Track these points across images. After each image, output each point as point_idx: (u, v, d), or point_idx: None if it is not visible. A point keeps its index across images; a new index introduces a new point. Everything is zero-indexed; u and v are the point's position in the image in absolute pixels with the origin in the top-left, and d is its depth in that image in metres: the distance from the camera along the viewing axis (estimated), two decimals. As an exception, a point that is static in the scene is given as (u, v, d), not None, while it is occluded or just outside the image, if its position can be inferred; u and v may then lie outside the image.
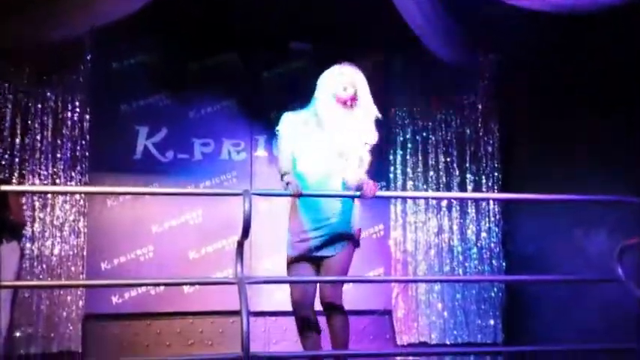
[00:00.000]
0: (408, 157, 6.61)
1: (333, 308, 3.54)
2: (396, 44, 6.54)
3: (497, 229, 6.62)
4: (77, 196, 5.85)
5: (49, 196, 5.77)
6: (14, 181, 5.64)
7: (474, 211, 6.61)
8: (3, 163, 5.68)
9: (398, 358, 5.76)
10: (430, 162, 6.64)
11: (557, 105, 5.85)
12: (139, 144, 6.07)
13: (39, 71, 5.83)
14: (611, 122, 5.27)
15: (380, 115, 3.69)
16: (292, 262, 3.56)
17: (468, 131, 6.70)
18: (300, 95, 3.77)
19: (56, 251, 5.76)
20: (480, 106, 6.73)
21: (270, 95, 6.18)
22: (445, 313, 6.43)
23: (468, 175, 6.66)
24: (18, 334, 5.50)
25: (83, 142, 5.94)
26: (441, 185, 6.61)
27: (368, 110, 3.66)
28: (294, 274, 3.55)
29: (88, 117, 5.96)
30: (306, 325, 3.52)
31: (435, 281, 6.63)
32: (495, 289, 6.52)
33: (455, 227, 6.58)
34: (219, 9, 5.80)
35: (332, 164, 3.57)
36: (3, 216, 4.68)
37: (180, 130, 6.16)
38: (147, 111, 6.10)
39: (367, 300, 6.14)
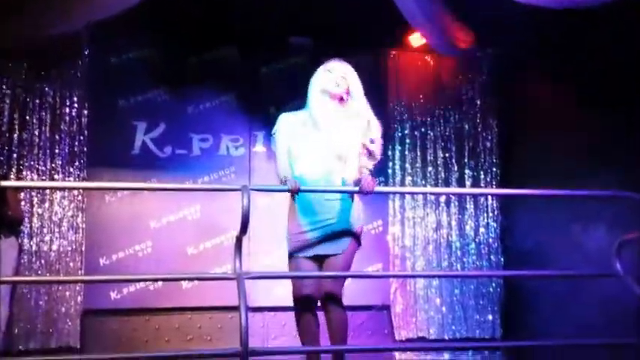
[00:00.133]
0: (406, 152, 6.61)
1: (332, 304, 3.54)
2: (395, 40, 6.55)
3: (495, 225, 6.63)
4: (75, 192, 5.85)
5: (48, 191, 5.77)
6: (12, 176, 5.64)
7: (472, 206, 6.62)
8: (1, 158, 5.68)
9: (396, 353, 5.78)
10: (429, 157, 6.64)
11: (555, 100, 5.86)
12: (137, 139, 6.06)
13: (37, 66, 5.83)
14: (610, 117, 5.27)
15: (370, 110, 3.65)
16: (293, 258, 3.55)
17: (467, 127, 6.71)
18: (299, 91, 3.75)
19: (55, 247, 5.76)
20: (478, 102, 6.74)
21: (268, 91, 6.17)
22: (443, 309, 6.44)
23: (467, 171, 6.67)
24: (17, 330, 5.50)
25: (81, 138, 5.94)
26: (440, 181, 6.61)
27: (362, 104, 3.64)
28: (295, 270, 3.54)
29: (86, 112, 5.95)
30: (306, 321, 3.52)
31: (434, 276, 6.65)
32: (493, 285, 6.53)
33: (453, 223, 6.59)
34: (219, 5, 5.79)
35: (331, 165, 3.56)
36: (1, 211, 4.69)
37: (178, 126, 6.15)
38: (145, 106, 6.10)
39: (365, 295, 6.15)
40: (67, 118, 5.92)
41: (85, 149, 5.93)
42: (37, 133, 5.83)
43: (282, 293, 5.52)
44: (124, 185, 5.97)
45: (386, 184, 6.40)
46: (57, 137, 5.87)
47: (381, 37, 6.30)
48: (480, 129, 6.72)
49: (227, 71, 6.24)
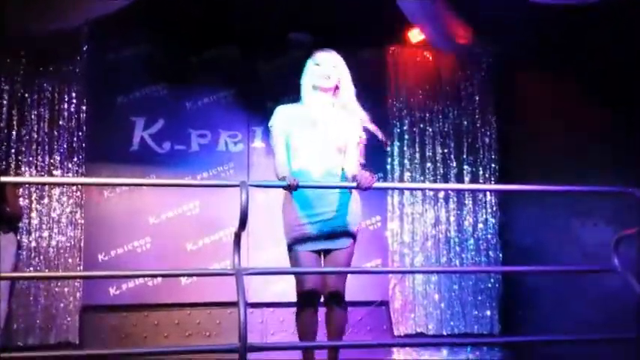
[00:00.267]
0: (405, 148, 6.61)
1: (336, 301, 3.55)
2: (394, 36, 6.54)
3: (494, 220, 6.63)
4: (74, 188, 5.85)
5: (46, 187, 5.77)
6: (11, 172, 5.64)
7: (471, 202, 6.63)
8: (-1, 154, 5.67)
9: (395, 348, 5.78)
10: (427, 153, 6.64)
11: (554, 97, 5.86)
12: (135, 135, 6.06)
13: (36, 62, 5.82)
14: (610, 115, 5.27)
15: (357, 105, 3.65)
16: (294, 251, 3.54)
17: (466, 123, 6.71)
18: (298, 87, 3.76)
19: (53, 243, 5.76)
20: (477, 98, 6.74)
21: (267, 86, 6.16)
22: (442, 304, 6.45)
23: (465, 167, 6.67)
24: (16, 326, 5.51)
25: (80, 134, 5.93)
26: (438, 176, 6.62)
27: (351, 93, 3.63)
28: (297, 264, 3.54)
29: (84, 108, 5.95)
30: (307, 319, 3.52)
31: (432, 272, 6.65)
32: (492, 280, 6.54)
33: (452, 218, 6.59)
34: (218, 2, 5.78)
35: (330, 158, 3.56)
36: (0, 207, 4.68)
37: (177, 122, 6.15)
38: (144, 102, 6.09)
39: (364, 291, 6.14)
40: (66, 113, 5.91)
41: (84, 145, 5.93)
42: (35, 128, 5.82)
43: (281, 289, 5.57)
44: (123, 181, 5.96)
45: (385, 179, 6.40)
46: (55, 133, 5.87)
47: (380, 33, 6.29)
48: (478, 125, 6.72)
49: (226, 67, 6.23)
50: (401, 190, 6.56)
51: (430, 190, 6.65)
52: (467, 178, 6.65)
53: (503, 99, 6.67)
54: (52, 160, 5.84)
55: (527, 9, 5.05)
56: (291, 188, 3.32)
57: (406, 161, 6.61)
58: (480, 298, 6.50)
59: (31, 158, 5.78)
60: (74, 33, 5.79)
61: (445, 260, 6.53)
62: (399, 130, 6.61)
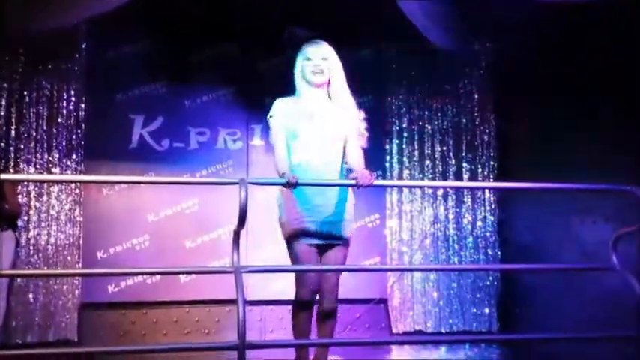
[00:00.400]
0: (404, 146, 6.61)
1: (331, 296, 3.56)
2: (394, 33, 6.54)
3: (492, 218, 6.64)
4: (73, 185, 5.84)
5: (45, 185, 5.77)
6: (10, 170, 5.63)
7: (469, 200, 6.63)
8: (-2, 152, 5.67)
9: (393, 346, 5.79)
10: (426, 151, 6.64)
11: (553, 94, 5.86)
12: (134, 133, 6.05)
13: (34, 60, 5.81)
14: (610, 113, 5.27)
15: (349, 93, 3.65)
16: (295, 244, 3.54)
17: (464, 120, 6.71)
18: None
19: (52, 240, 5.76)
20: (476, 95, 6.74)
21: (266, 84, 6.15)
22: (441, 302, 6.46)
23: (464, 164, 6.67)
24: (14, 323, 5.51)
25: (79, 131, 5.93)
26: (437, 174, 6.62)
27: (344, 82, 3.62)
28: (296, 255, 3.53)
29: (83, 106, 5.94)
30: (304, 319, 3.53)
31: (431, 270, 6.66)
32: (491, 278, 6.55)
33: (451, 216, 6.60)
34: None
35: (329, 152, 3.57)
36: (-1, 205, 4.68)
37: (176, 119, 6.14)
38: (142, 100, 6.08)
39: (363, 289, 6.15)
40: (65, 111, 5.91)
41: (83, 143, 5.92)
42: (34, 126, 5.81)
43: (280, 287, 5.57)
44: (122, 179, 5.97)
45: (383, 177, 6.41)
46: (54, 131, 5.87)
47: (379, 31, 6.28)
48: (477, 123, 6.72)
49: (225, 65, 6.23)
50: (400, 188, 6.57)
51: (429, 187, 6.66)
52: (466, 176, 6.66)
53: (502, 97, 6.67)
54: (50, 158, 5.84)
55: (527, 9, 5.06)
56: (290, 185, 3.32)
57: (405, 159, 6.61)
58: (478, 295, 6.51)
59: (29, 156, 5.78)
60: (73, 31, 5.78)
61: (444, 258, 6.54)
62: (398, 128, 6.62)
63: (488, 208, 6.65)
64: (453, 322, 6.45)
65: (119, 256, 5.84)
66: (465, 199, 6.63)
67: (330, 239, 3.55)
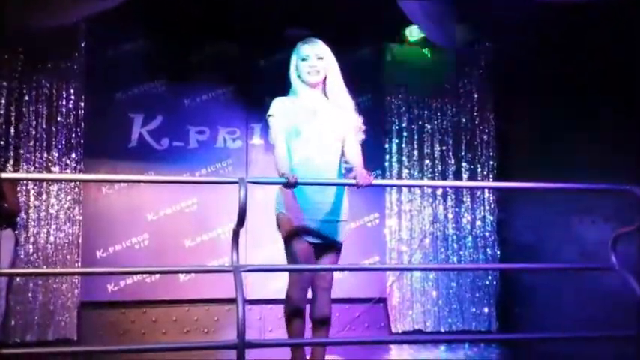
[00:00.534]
0: (403, 145, 6.62)
1: (327, 294, 3.57)
2: (393, 34, 6.54)
3: (492, 218, 6.65)
4: (72, 184, 5.84)
5: (45, 184, 5.76)
6: (9, 168, 5.63)
7: (469, 199, 6.64)
8: (-3, 150, 5.67)
9: (392, 345, 5.80)
10: (426, 150, 6.65)
11: (553, 94, 5.86)
12: (134, 132, 6.05)
13: (34, 58, 5.80)
14: (610, 113, 5.27)
15: (346, 90, 3.65)
16: (294, 241, 3.54)
17: (464, 120, 6.72)
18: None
19: (51, 239, 5.76)
20: (475, 95, 6.75)
21: (266, 83, 6.15)
22: (440, 301, 6.47)
23: (464, 164, 6.68)
24: (14, 322, 5.51)
25: (78, 130, 5.93)
26: (437, 174, 6.63)
27: (340, 80, 3.62)
28: (294, 252, 3.54)
29: (82, 105, 5.94)
30: (296, 319, 3.54)
31: (430, 269, 6.67)
32: (490, 277, 6.55)
33: (450, 216, 6.60)
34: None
35: (328, 150, 3.57)
36: (-2, 204, 4.68)
37: (175, 118, 6.14)
38: (142, 99, 6.08)
39: (362, 288, 6.17)
40: (64, 110, 5.91)
41: (82, 142, 5.92)
42: (33, 125, 5.81)
43: (280, 286, 5.52)
44: (121, 178, 5.97)
45: (383, 177, 6.41)
46: (54, 129, 5.86)
47: (379, 30, 6.29)
48: (477, 122, 6.73)
49: (224, 63, 6.23)
50: (399, 188, 6.57)
51: (428, 187, 6.66)
52: (465, 176, 6.67)
53: (501, 97, 6.67)
54: (50, 157, 5.83)
55: (527, 9, 5.06)
56: (290, 185, 3.33)
57: (404, 158, 6.61)
58: (477, 295, 6.52)
59: (29, 155, 5.78)
60: (72, 29, 5.78)
61: (443, 257, 6.55)
62: (397, 128, 6.62)
63: (487, 207, 6.65)
64: (452, 322, 6.45)
65: (118, 255, 5.84)
66: (465, 199, 6.64)
67: (327, 240, 3.56)
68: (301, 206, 3.51)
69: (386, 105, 6.57)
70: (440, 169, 6.64)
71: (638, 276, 3.42)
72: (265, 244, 5.68)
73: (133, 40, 6.06)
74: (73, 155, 5.89)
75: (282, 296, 3.64)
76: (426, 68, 6.70)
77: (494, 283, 6.54)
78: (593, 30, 5.26)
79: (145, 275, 5.88)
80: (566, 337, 3.76)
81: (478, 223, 6.62)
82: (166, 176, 5.88)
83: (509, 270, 6.54)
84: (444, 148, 6.68)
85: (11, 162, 5.71)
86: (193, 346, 3.92)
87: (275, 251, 3.79)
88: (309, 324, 3.64)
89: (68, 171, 5.84)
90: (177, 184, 5.81)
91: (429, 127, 6.68)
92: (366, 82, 6.31)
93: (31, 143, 5.79)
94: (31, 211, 5.72)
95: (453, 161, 6.66)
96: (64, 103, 5.91)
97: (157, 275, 5.88)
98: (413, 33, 6.50)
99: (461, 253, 6.59)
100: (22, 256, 5.55)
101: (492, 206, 6.66)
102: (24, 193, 5.71)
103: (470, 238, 6.60)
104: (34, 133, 5.81)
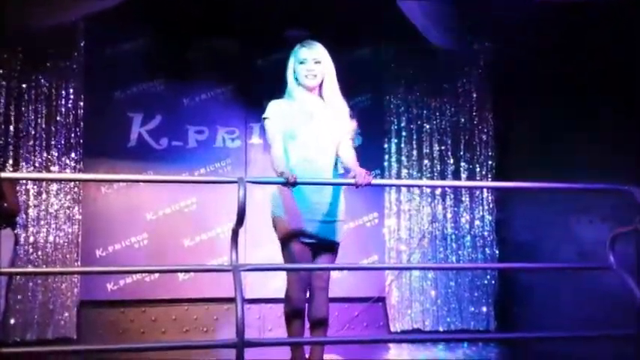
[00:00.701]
0: (402, 145, 6.62)
1: (324, 294, 3.58)
2: (392, 32, 6.54)
3: (490, 217, 6.65)
4: (72, 184, 5.84)
5: (44, 183, 5.76)
6: (8, 168, 5.63)
7: (467, 199, 6.64)
8: (-3, 150, 5.67)
9: (391, 345, 5.80)
10: (424, 150, 6.65)
11: (553, 94, 5.87)
12: (133, 131, 6.05)
13: (33, 58, 5.81)
14: (609, 113, 5.28)
15: (340, 94, 3.65)
16: (291, 243, 3.55)
17: (463, 120, 6.72)
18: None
19: (51, 238, 5.76)
20: (474, 95, 6.75)
21: (265, 83, 6.15)
22: (438, 301, 6.47)
23: (462, 164, 6.68)
24: (13, 321, 5.51)
25: (77, 130, 5.93)
26: (436, 174, 6.63)
27: (335, 84, 3.63)
28: (292, 254, 3.55)
29: (82, 104, 5.95)
30: (296, 319, 3.55)
31: (429, 269, 6.67)
32: (488, 277, 6.56)
33: (449, 215, 6.61)
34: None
35: (324, 152, 3.58)
36: (-3, 203, 4.68)
37: (174, 118, 6.14)
38: (141, 98, 6.09)
39: (361, 287, 6.17)
40: (63, 109, 5.91)
41: (81, 141, 5.92)
42: (33, 124, 5.82)
43: (279, 285, 5.53)
44: (120, 177, 5.98)
45: (382, 176, 6.42)
46: (53, 129, 5.87)
47: (378, 30, 6.29)
48: (475, 122, 6.74)
49: (223, 63, 6.23)
50: (398, 187, 6.57)
51: (427, 187, 6.66)
52: (464, 176, 6.67)
53: (501, 97, 6.68)
54: (49, 156, 5.84)
55: (526, 9, 5.06)
56: (289, 184, 3.33)
57: (403, 158, 6.62)
58: (476, 294, 6.53)
59: (28, 154, 5.78)
60: (71, 29, 5.78)
61: (442, 257, 6.55)
62: (396, 127, 6.62)
63: (486, 207, 6.66)
64: (450, 321, 6.46)
65: (118, 254, 5.85)
66: (463, 199, 6.64)
67: (324, 240, 3.56)
68: (299, 206, 3.52)
69: (385, 105, 6.57)
70: (439, 168, 6.65)
71: (636, 276, 3.43)
72: (264, 244, 5.67)
73: (133, 40, 6.07)
74: (73, 155, 5.90)
75: (282, 295, 3.65)
76: (425, 68, 6.70)
77: (493, 282, 6.55)
78: (593, 30, 5.26)
79: (144, 274, 5.88)
80: (564, 337, 3.77)
81: (477, 222, 6.63)
82: (165, 176, 5.89)
83: (508, 269, 6.55)
84: (442, 147, 6.68)
85: (10, 161, 5.71)
86: (193, 346, 3.93)
87: (274, 251, 3.79)
88: (308, 324, 3.65)
89: (67, 170, 5.84)
90: (176, 183, 5.81)
91: (428, 126, 6.68)
92: (365, 81, 6.32)
93: (31, 143, 5.80)
94: (30, 210, 5.73)
95: (451, 161, 6.67)
96: (63, 102, 5.91)
97: (157, 274, 5.89)
98: (413, 32, 6.49)
99: (459, 252, 6.59)
100: (21, 256, 5.55)
101: (491, 206, 6.66)
102: (23, 193, 5.71)
103: (468, 238, 6.61)
104: (33, 132, 5.81)
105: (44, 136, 5.84)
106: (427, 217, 6.57)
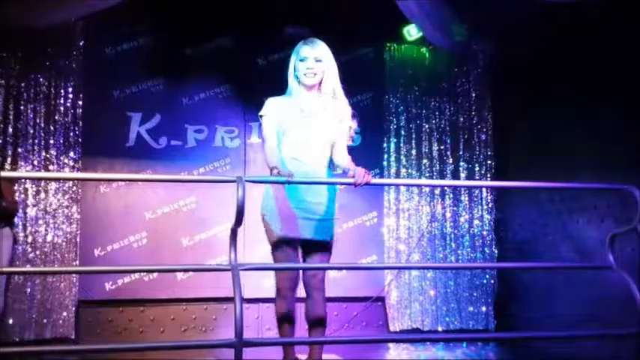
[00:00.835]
0: (401, 144, 6.62)
1: (320, 293, 3.57)
2: (392, 33, 6.54)
3: (489, 217, 6.65)
4: (70, 183, 5.84)
5: (42, 182, 5.76)
6: (7, 167, 5.63)
7: (466, 198, 6.64)
8: (-5, 149, 5.66)
9: (390, 344, 5.80)
10: (424, 149, 6.65)
11: (551, 93, 5.87)
12: (132, 130, 6.05)
13: (31, 57, 5.80)
14: (609, 113, 5.28)
15: (343, 94, 3.64)
16: (279, 242, 3.55)
17: (462, 119, 6.72)
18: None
19: (49, 238, 5.75)
20: (473, 95, 6.75)
21: (264, 82, 6.15)
22: (438, 300, 6.47)
23: (462, 163, 6.68)
24: (12, 320, 5.50)
25: (76, 129, 5.92)
26: (435, 173, 6.63)
27: (336, 83, 3.62)
28: (282, 255, 3.54)
29: (80, 103, 5.94)
30: (286, 316, 3.54)
31: (428, 268, 6.67)
32: (487, 277, 6.56)
33: (448, 215, 6.61)
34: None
35: (319, 151, 3.57)
36: (-4, 202, 4.67)
37: (173, 117, 6.14)
38: (140, 97, 6.08)
39: (360, 287, 6.17)
40: (62, 108, 5.90)
41: (80, 140, 5.92)
42: (31, 123, 5.81)
43: (277, 285, 5.57)
44: (119, 176, 5.96)
45: (381, 176, 6.41)
46: (52, 128, 5.86)
47: (377, 29, 6.29)
48: (475, 121, 6.74)
49: (222, 62, 6.23)
50: (397, 186, 6.57)
51: (426, 186, 6.66)
52: (463, 175, 6.67)
53: (500, 96, 6.67)
54: (48, 155, 5.83)
55: (526, 8, 5.06)
56: (287, 183, 3.32)
57: (402, 157, 6.62)
58: (475, 294, 6.52)
59: (27, 153, 5.77)
60: (70, 28, 5.77)
61: (441, 256, 6.55)
62: (395, 127, 6.62)
63: (485, 206, 6.66)
64: (449, 321, 6.46)
65: (116, 253, 5.84)
66: (462, 198, 6.64)
67: (317, 239, 3.55)
68: (292, 205, 3.51)
69: (385, 104, 6.57)
70: (438, 168, 6.65)
71: (636, 275, 3.43)
72: (263, 243, 5.67)
73: (131, 39, 6.07)
74: (71, 154, 5.89)
75: (281, 295, 3.64)
76: (425, 67, 6.70)
77: (492, 282, 6.55)
78: (593, 30, 5.26)
79: (142, 274, 5.88)
80: (563, 337, 3.77)
81: (476, 222, 6.62)
82: (164, 175, 5.89)
83: (507, 269, 6.55)
84: (442, 147, 6.68)
85: (9, 160, 5.70)
86: (191, 345, 3.93)
87: (273, 250, 3.79)
88: (305, 324, 3.64)
89: (66, 169, 5.84)
90: (175, 182, 5.81)
91: (427, 126, 6.68)
92: (365, 81, 6.32)
93: (29, 142, 5.79)
94: (29, 209, 5.72)
95: (451, 160, 6.67)
96: (61, 101, 5.90)
97: (155, 274, 5.88)
98: (411, 32, 6.50)
99: (459, 252, 6.59)
100: (20, 255, 5.54)
101: (490, 205, 6.66)
102: (22, 192, 5.70)
103: (468, 237, 6.61)
104: (32, 131, 5.80)
105: (43, 135, 5.83)
106: (426, 217, 6.57)
